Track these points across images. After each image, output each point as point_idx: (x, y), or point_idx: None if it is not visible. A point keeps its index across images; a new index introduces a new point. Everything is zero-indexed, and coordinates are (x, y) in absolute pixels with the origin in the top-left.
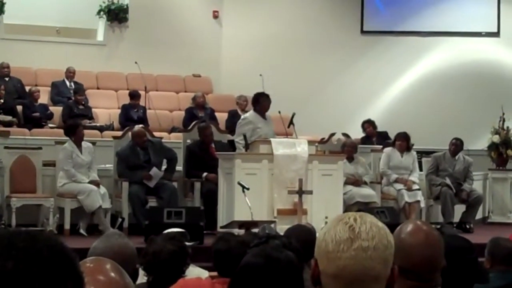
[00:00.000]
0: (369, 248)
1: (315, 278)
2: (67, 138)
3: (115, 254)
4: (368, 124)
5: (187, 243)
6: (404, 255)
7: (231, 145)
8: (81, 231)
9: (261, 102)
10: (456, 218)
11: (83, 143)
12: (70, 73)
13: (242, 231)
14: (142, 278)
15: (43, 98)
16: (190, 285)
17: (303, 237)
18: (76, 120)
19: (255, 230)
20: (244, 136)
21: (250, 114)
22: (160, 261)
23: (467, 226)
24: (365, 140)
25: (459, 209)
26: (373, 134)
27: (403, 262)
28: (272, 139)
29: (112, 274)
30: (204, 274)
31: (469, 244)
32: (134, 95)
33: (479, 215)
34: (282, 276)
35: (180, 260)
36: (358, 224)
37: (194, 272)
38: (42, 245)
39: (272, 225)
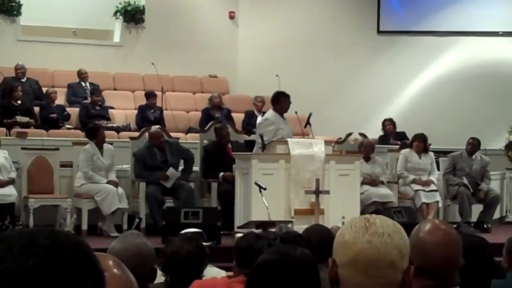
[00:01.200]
0: (384, 235)
1: (332, 278)
2: (85, 139)
3: (133, 254)
4: (389, 122)
5: (204, 243)
6: (423, 254)
7: (248, 145)
8: (112, 233)
9: (281, 101)
10: (474, 218)
11: (104, 145)
12: (82, 75)
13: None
14: (159, 278)
15: (60, 99)
16: (205, 286)
17: (321, 237)
18: (97, 123)
19: (273, 230)
20: (261, 137)
21: (271, 114)
22: (178, 261)
23: (485, 226)
24: (383, 138)
25: (476, 209)
26: (392, 133)
27: (421, 261)
28: (288, 139)
29: (115, 271)
30: (222, 274)
31: (483, 241)
32: (150, 95)
33: (496, 215)
34: (297, 272)
35: (198, 261)
36: (373, 217)
37: (212, 272)
38: (63, 242)
39: (289, 225)
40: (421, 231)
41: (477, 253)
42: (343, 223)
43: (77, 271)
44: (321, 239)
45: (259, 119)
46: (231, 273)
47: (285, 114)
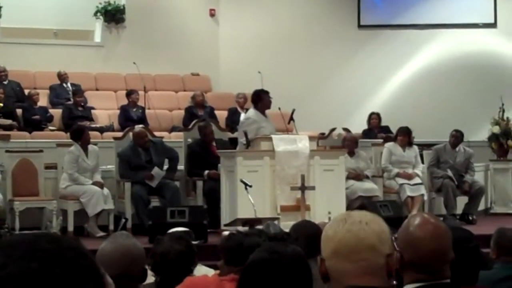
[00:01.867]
0: (362, 223)
1: (323, 274)
2: (69, 140)
3: (124, 255)
4: (375, 116)
5: (192, 242)
6: (413, 248)
7: (232, 143)
8: (98, 234)
9: (263, 99)
10: (459, 210)
11: (89, 146)
12: (62, 76)
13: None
14: (149, 278)
15: (43, 101)
16: (197, 283)
17: (309, 233)
18: (80, 124)
19: (260, 227)
20: (245, 134)
21: (252, 113)
22: (168, 261)
23: (470, 218)
24: (368, 132)
25: (461, 201)
26: (377, 127)
27: (412, 255)
28: (273, 136)
29: None
30: (211, 273)
31: (469, 233)
32: (130, 92)
33: (481, 206)
34: (289, 269)
35: (188, 260)
36: (352, 212)
37: (201, 271)
38: (64, 246)
39: (276, 222)
40: (410, 225)
41: (464, 245)
42: (329, 218)
43: (78, 274)
44: (309, 235)
45: (242, 116)
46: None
47: (268, 112)
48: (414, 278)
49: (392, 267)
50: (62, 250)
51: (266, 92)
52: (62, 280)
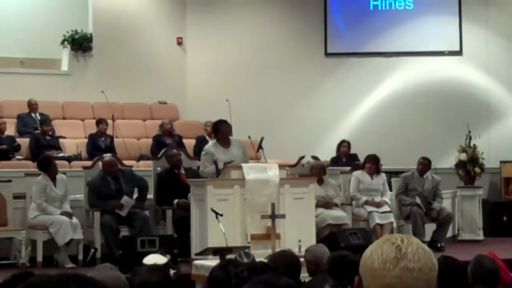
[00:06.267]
0: (415, 269)
1: None
2: (37, 170)
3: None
4: (346, 144)
5: (171, 270)
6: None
7: None
8: (67, 265)
9: (220, 129)
10: (427, 237)
11: (57, 176)
12: (32, 106)
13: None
14: None
15: (10, 130)
16: None
17: (288, 263)
18: (48, 153)
19: (231, 256)
20: (215, 163)
21: (209, 145)
22: None
23: (438, 245)
24: (336, 160)
25: (429, 228)
26: (346, 155)
27: None
28: (243, 164)
29: None
30: None
31: (465, 267)
32: (100, 121)
33: (449, 233)
34: None
35: None
36: (405, 245)
37: None
38: (90, 285)
39: (248, 251)
40: None
41: (458, 278)
42: (299, 246)
43: None
44: (288, 265)
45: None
46: None
47: (238, 140)
48: None
49: None
50: None
51: (223, 122)
52: None
